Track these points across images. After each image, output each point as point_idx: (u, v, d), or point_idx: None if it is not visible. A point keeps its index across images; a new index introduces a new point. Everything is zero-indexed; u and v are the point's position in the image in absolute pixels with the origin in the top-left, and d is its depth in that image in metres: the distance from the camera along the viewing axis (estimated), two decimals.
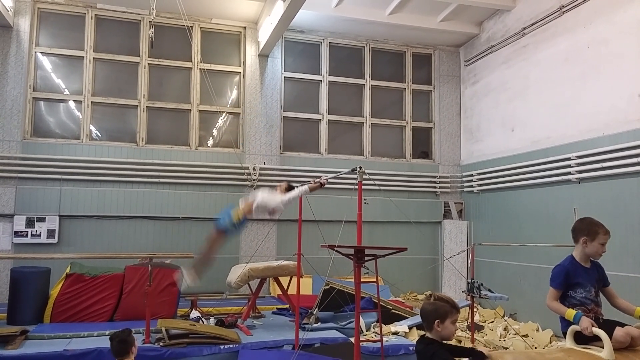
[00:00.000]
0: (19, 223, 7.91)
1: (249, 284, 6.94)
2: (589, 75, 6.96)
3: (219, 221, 5.39)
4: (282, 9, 7.49)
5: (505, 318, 7.84)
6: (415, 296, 9.29)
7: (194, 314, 6.57)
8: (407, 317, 6.84)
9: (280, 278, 7.02)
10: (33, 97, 8.35)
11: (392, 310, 6.96)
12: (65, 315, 6.24)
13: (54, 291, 6.35)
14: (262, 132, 9.16)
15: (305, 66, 9.73)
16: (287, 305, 7.16)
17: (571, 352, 3.15)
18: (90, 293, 6.38)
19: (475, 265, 7.04)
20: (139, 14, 8.80)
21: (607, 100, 6.65)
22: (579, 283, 3.34)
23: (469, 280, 5.91)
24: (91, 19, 8.65)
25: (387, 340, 5.74)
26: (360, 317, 5.09)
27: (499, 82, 8.96)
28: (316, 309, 6.47)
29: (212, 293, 8.15)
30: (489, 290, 5.77)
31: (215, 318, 6.37)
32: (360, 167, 4.13)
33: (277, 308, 7.49)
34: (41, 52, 8.49)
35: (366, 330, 6.40)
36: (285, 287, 7.00)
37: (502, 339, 6.72)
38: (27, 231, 7.93)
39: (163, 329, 5.35)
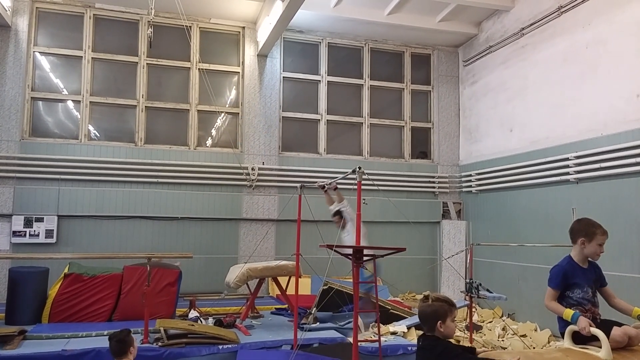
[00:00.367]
0: (17, 223, 7.90)
1: (247, 284, 6.94)
2: (588, 76, 6.97)
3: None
4: (280, 9, 7.49)
5: (504, 318, 7.84)
6: (414, 296, 9.29)
7: (193, 314, 6.57)
8: (405, 317, 6.84)
9: (279, 278, 7.02)
10: (31, 97, 8.34)
11: (391, 311, 6.96)
12: (64, 315, 6.23)
13: (52, 291, 6.34)
14: (260, 132, 9.16)
15: (304, 66, 9.73)
16: (286, 305, 7.16)
17: (569, 352, 3.15)
18: (88, 293, 6.37)
19: (474, 265, 7.05)
20: (138, 14, 8.80)
21: (605, 100, 6.65)
22: (576, 283, 3.35)
23: (468, 280, 5.90)
24: (90, 18, 8.64)
25: (385, 341, 5.74)
26: (359, 317, 5.09)
27: (498, 82, 8.97)
28: (315, 309, 6.47)
29: (210, 293, 8.15)
30: (488, 290, 5.76)
31: (213, 318, 6.37)
32: (359, 168, 4.13)
33: (275, 308, 7.48)
34: (39, 52, 8.48)
35: (365, 330, 6.40)
36: (284, 287, 6.99)
37: (500, 339, 6.73)
38: (26, 231, 7.92)
39: (161, 329, 5.35)
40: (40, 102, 8.47)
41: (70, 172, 8.15)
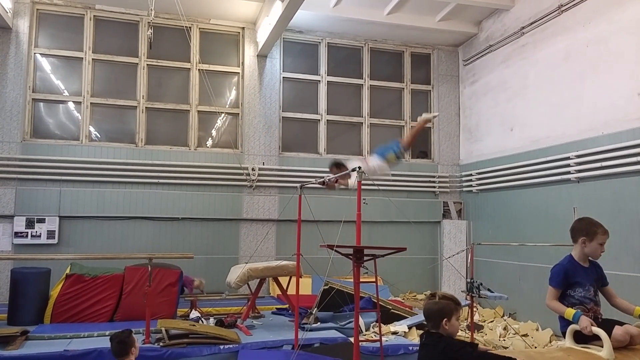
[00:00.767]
0: (19, 224, 7.91)
1: (248, 284, 6.95)
2: (588, 74, 6.97)
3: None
4: (280, 9, 7.49)
5: (505, 318, 7.85)
6: (415, 296, 9.29)
7: (194, 314, 6.58)
8: (406, 317, 6.84)
9: (279, 278, 7.02)
10: (32, 99, 8.35)
11: (392, 310, 6.96)
12: (66, 315, 6.25)
13: (54, 292, 6.36)
14: (261, 132, 9.17)
15: (303, 66, 9.73)
16: (287, 305, 7.16)
17: (571, 352, 3.15)
18: (90, 293, 6.39)
19: (475, 265, 7.04)
20: (138, 15, 8.80)
21: (606, 99, 6.65)
22: (577, 282, 3.35)
23: (469, 280, 5.90)
24: (90, 20, 8.65)
25: (386, 340, 5.74)
26: (360, 317, 5.10)
27: (498, 81, 8.97)
28: (315, 309, 6.47)
29: (211, 293, 8.15)
30: (489, 289, 5.77)
31: (214, 318, 6.38)
32: (359, 167, 4.14)
33: (276, 308, 7.49)
34: (40, 54, 8.49)
35: (366, 330, 6.40)
36: (285, 287, 7.00)
37: (501, 339, 6.73)
38: (27, 232, 7.93)
39: (163, 329, 5.36)
40: (41, 104, 8.48)
41: (72, 173, 8.16)
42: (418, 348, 3.09)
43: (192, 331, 5.38)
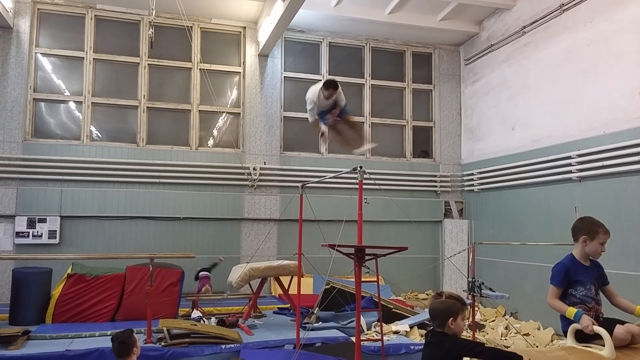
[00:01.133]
0: (20, 224, 7.92)
1: (249, 283, 6.95)
2: (590, 74, 6.96)
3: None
4: (281, 9, 7.49)
5: (507, 317, 7.85)
6: (416, 295, 9.29)
7: (195, 313, 6.58)
8: (408, 317, 6.84)
9: (281, 278, 7.02)
10: (33, 98, 8.36)
11: (393, 310, 6.96)
12: (67, 315, 6.25)
13: (56, 291, 6.36)
14: (262, 132, 9.17)
15: (305, 66, 9.73)
16: (288, 305, 7.17)
17: (572, 351, 3.15)
18: (91, 293, 6.39)
19: (476, 264, 7.04)
20: (139, 15, 8.81)
21: (607, 98, 6.64)
22: (579, 281, 3.35)
23: (470, 279, 5.89)
24: (91, 19, 8.65)
25: (388, 340, 5.74)
26: (361, 317, 5.10)
27: (499, 80, 8.96)
28: (317, 309, 6.48)
29: (213, 293, 8.15)
30: (490, 289, 5.76)
31: (216, 318, 6.39)
32: (360, 167, 4.14)
33: (278, 308, 7.50)
34: (41, 53, 8.50)
35: (367, 330, 6.41)
36: (286, 287, 7.00)
37: (503, 338, 6.73)
38: (29, 232, 7.94)
39: (165, 328, 5.37)
40: (42, 103, 8.49)
41: (73, 172, 8.17)
42: (422, 347, 3.09)
43: (194, 331, 5.39)
